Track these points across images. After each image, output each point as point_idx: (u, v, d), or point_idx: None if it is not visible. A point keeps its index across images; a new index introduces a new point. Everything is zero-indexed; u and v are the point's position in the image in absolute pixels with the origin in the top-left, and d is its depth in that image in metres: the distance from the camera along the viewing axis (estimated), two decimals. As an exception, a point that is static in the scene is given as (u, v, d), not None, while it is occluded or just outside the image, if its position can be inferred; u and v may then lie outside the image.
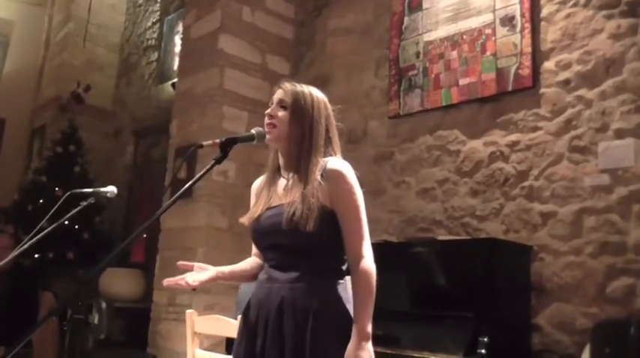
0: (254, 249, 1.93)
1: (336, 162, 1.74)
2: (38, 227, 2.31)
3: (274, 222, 1.69)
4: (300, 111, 1.77)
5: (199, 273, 1.76)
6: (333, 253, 1.71)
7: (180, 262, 1.81)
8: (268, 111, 1.81)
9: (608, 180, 2.89)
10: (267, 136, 1.79)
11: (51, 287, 4.97)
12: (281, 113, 1.78)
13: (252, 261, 1.92)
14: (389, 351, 2.63)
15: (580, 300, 2.89)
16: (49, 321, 4.22)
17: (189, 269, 1.79)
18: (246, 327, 1.74)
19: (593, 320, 2.77)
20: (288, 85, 1.82)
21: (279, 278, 1.69)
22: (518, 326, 2.97)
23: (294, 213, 1.63)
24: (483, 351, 2.53)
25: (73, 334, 3.99)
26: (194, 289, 1.78)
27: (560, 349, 2.91)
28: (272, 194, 1.79)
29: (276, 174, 1.84)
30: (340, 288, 1.70)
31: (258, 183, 1.92)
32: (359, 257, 1.65)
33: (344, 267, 1.72)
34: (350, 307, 1.66)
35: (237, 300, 2.96)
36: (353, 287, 1.65)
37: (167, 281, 1.74)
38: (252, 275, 1.88)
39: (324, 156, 1.77)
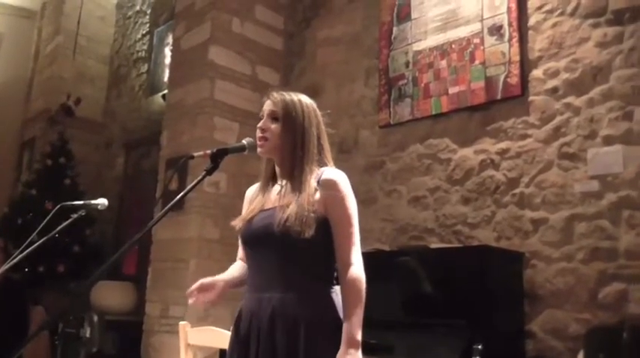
0: (240, 253, 1.92)
1: (331, 171, 1.76)
2: (28, 240, 2.29)
3: (267, 224, 1.70)
4: (291, 122, 1.78)
5: (209, 293, 1.76)
6: (324, 260, 1.71)
7: (189, 294, 1.78)
8: (260, 124, 1.81)
9: (598, 187, 2.92)
10: (260, 149, 1.80)
11: (42, 301, 4.93)
12: (273, 126, 1.78)
13: (240, 265, 1.91)
14: (383, 360, 2.62)
15: (572, 306, 2.90)
16: (40, 335, 4.18)
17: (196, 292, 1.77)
18: (237, 338, 1.74)
19: (586, 325, 2.78)
20: (277, 95, 1.83)
21: (269, 287, 1.68)
22: (512, 333, 2.98)
23: (287, 219, 1.63)
24: (477, 359, 2.54)
25: (65, 348, 3.95)
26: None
27: (553, 355, 2.91)
28: (265, 199, 1.80)
29: (270, 181, 1.85)
30: (332, 296, 1.69)
31: (252, 190, 1.93)
32: (348, 264, 1.65)
33: (335, 275, 1.72)
34: (341, 314, 1.66)
35: None
36: (342, 295, 1.66)
37: (192, 300, 1.75)
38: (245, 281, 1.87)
39: (319, 164, 1.78)
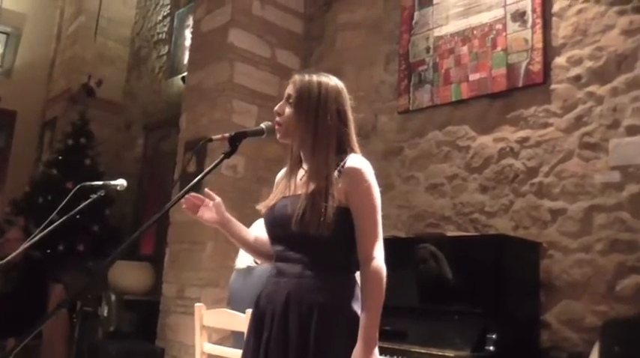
0: (258, 233, 1.93)
1: (355, 159, 1.69)
2: (49, 219, 2.32)
3: (285, 214, 1.67)
4: (303, 105, 1.71)
5: (210, 211, 1.87)
6: (343, 250, 1.67)
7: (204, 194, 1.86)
8: (276, 108, 1.78)
9: (619, 178, 2.87)
10: (277, 135, 1.77)
11: (61, 280, 5.02)
12: (287, 109, 1.74)
13: (254, 236, 1.94)
14: (396, 347, 2.63)
15: (589, 298, 2.88)
16: (58, 313, 4.26)
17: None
18: (254, 322, 1.74)
19: (603, 318, 2.76)
20: (297, 77, 1.76)
21: (287, 272, 1.67)
22: (527, 323, 2.96)
23: (303, 213, 1.60)
24: (491, 348, 2.53)
25: (83, 326, 4.02)
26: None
27: (568, 346, 2.89)
28: (290, 184, 1.76)
29: (295, 165, 1.80)
30: (347, 285, 1.68)
31: (281, 174, 1.90)
32: (370, 258, 1.61)
33: (353, 264, 1.70)
34: (356, 304, 1.64)
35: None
36: (362, 289, 1.62)
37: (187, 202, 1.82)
38: (252, 246, 1.93)
39: (340, 151, 1.71)
